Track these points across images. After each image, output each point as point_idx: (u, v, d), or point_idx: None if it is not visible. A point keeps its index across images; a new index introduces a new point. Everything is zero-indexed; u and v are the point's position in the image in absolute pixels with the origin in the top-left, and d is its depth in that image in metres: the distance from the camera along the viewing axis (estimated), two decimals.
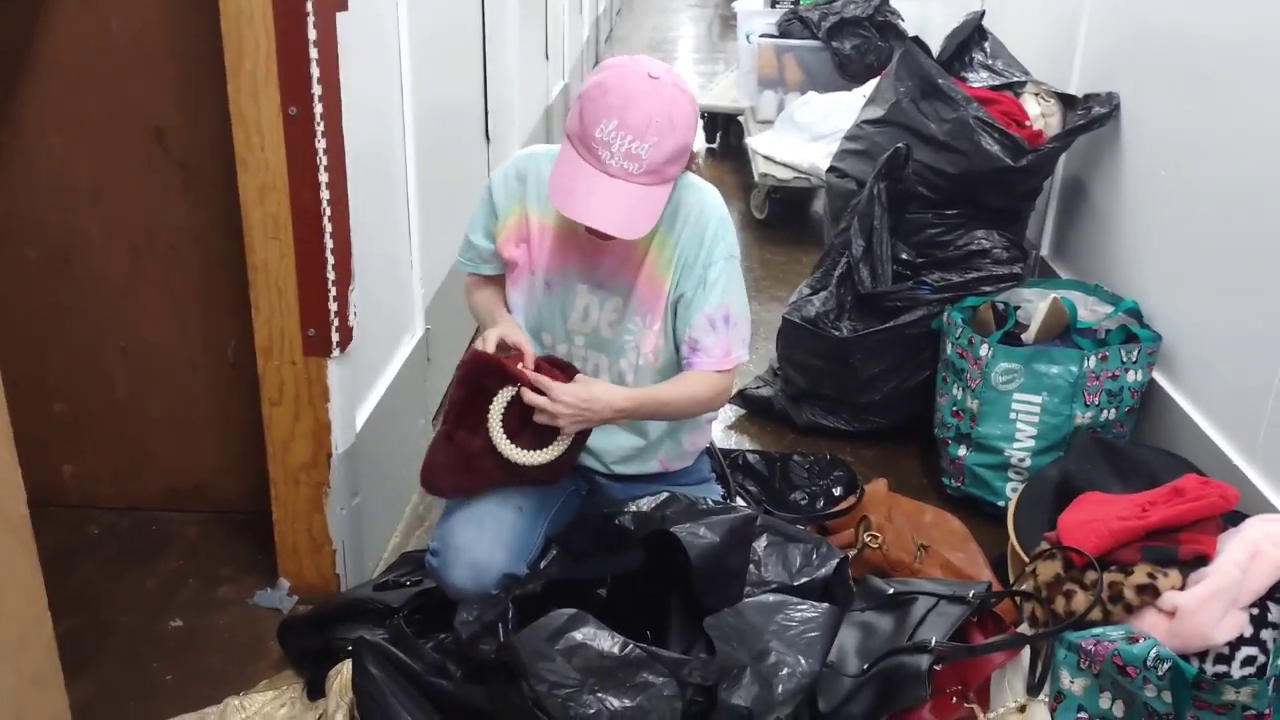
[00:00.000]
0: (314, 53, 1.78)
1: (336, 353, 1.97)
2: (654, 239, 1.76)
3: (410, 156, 2.45)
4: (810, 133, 4.52)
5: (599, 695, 1.45)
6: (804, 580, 1.75)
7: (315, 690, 1.82)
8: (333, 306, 1.94)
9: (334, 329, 1.95)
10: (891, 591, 1.79)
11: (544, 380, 1.66)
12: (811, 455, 2.65)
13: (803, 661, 1.55)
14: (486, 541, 1.72)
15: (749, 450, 2.68)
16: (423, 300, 2.61)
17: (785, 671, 1.53)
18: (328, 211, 1.88)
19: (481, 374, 1.71)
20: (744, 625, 1.61)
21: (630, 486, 1.86)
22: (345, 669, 1.69)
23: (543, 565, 1.76)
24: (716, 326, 1.75)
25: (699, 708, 1.49)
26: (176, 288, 2.22)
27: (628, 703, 1.45)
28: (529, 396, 1.66)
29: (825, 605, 1.65)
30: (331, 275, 1.93)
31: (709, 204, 1.78)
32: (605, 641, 1.51)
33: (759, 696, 1.50)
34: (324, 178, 1.86)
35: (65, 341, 2.27)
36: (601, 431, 1.81)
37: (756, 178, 4.53)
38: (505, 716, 1.50)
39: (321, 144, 1.84)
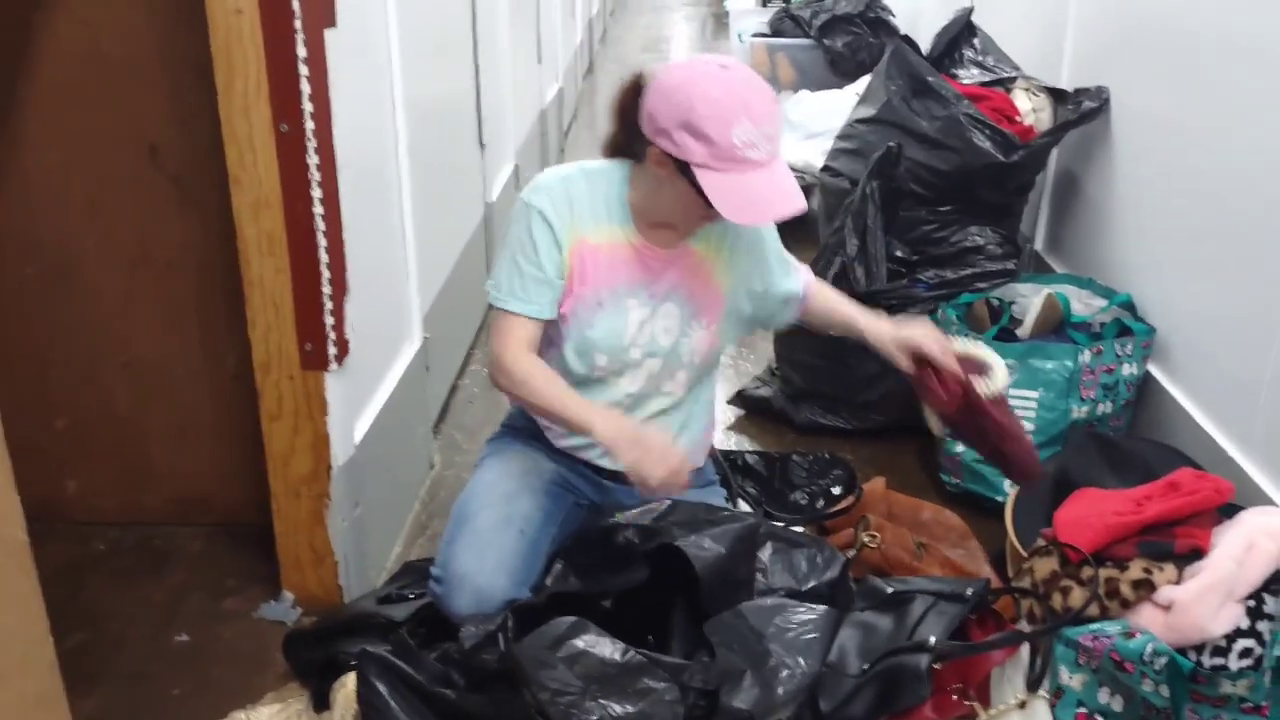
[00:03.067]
0: (304, 70, 1.79)
1: (334, 366, 1.99)
2: (710, 243, 1.80)
3: (404, 166, 2.46)
4: (804, 131, 4.53)
5: (601, 701, 1.46)
6: (811, 585, 1.76)
7: (321, 702, 1.83)
8: (329, 320, 1.95)
9: (331, 342, 1.96)
10: (890, 591, 1.79)
11: None
12: (810, 454, 2.65)
13: (802, 662, 1.56)
14: (489, 568, 1.70)
15: (748, 451, 2.69)
16: (420, 309, 2.62)
17: (785, 673, 1.54)
18: (321, 226, 1.89)
19: None
20: (744, 628, 1.62)
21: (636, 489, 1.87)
22: (350, 681, 1.70)
23: (547, 582, 1.77)
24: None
25: (701, 712, 1.50)
26: (174, 302, 2.24)
27: (630, 708, 1.46)
28: None
29: (823, 607, 1.66)
30: (327, 289, 1.94)
31: None
32: (606, 648, 1.52)
33: (760, 699, 1.51)
34: (317, 193, 1.87)
35: (65, 357, 2.28)
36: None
37: None
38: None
39: (314, 159, 1.85)
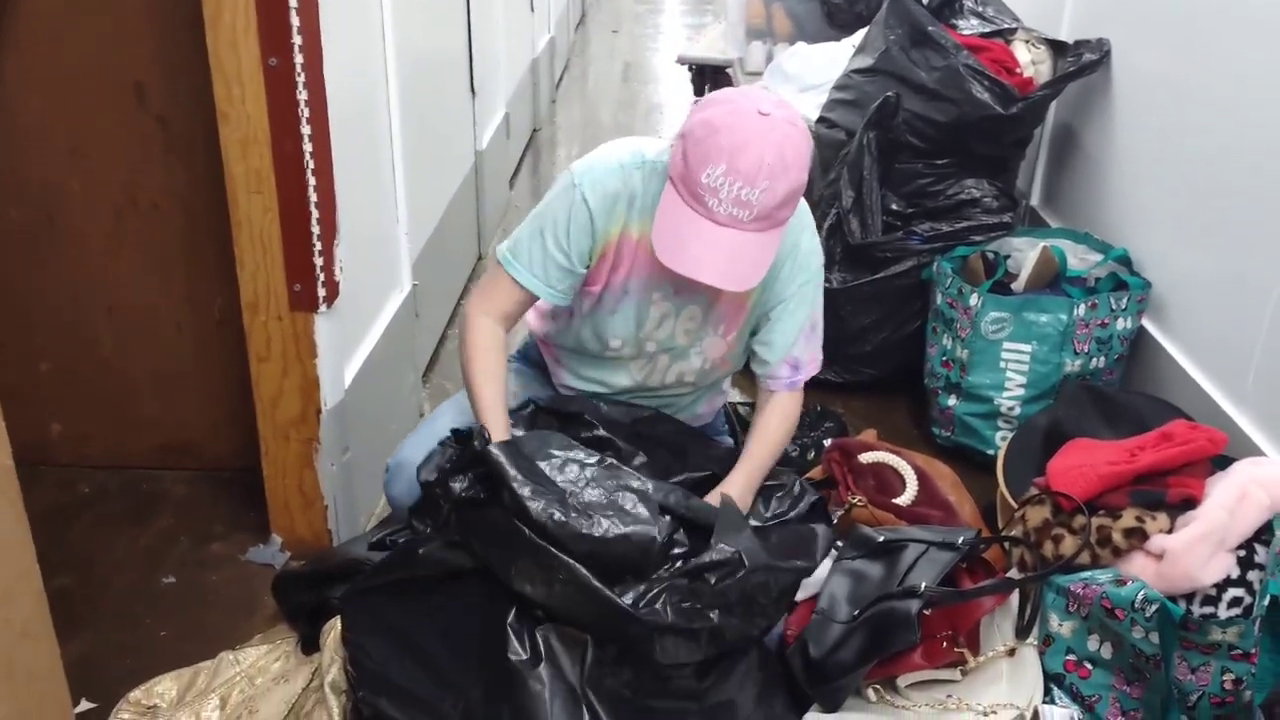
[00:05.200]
0: (293, 2, 1.75)
1: (323, 307, 1.96)
2: None
3: (394, 110, 2.42)
4: (799, 83, 4.47)
5: (580, 503, 1.49)
6: (789, 518, 1.79)
7: (310, 644, 1.83)
8: (318, 261, 1.92)
9: (320, 283, 1.94)
10: (881, 539, 1.79)
11: None
12: (802, 407, 2.65)
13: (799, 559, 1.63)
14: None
15: (740, 402, 2.68)
16: (410, 255, 2.59)
17: (775, 539, 1.63)
18: (311, 164, 1.86)
19: None
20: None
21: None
22: (339, 623, 1.69)
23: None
24: (809, 339, 1.80)
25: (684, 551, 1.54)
26: (160, 245, 2.20)
27: (608, 509, 1.50)
28: None
29: (821, 525, 1.75)
30: (316, 229, 1.91)
31: (799, 219, 1.73)
32: (582, 454, 1.57)
33: (752, 550, 1.53)
34: (306, 130, 1.83)
35: (50, 300, 2.25)
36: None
37: None
38: (483, 543, 1.50)
39: (303, 95, 1.81)
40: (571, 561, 1.42)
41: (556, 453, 1.57)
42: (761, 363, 1.82)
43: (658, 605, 1.44)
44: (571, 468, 1.55)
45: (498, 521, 1.48)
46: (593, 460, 1.58)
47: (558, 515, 1.45)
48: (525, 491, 1.46)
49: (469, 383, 1.71)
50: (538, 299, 1.72)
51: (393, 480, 1.79)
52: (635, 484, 1.56)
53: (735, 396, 2.86)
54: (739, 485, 1.74)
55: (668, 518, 1.56)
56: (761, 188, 1.49)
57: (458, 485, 1.52)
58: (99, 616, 1.98)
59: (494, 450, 1.49)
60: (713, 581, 1.48)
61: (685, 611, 1.45)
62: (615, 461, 1.61)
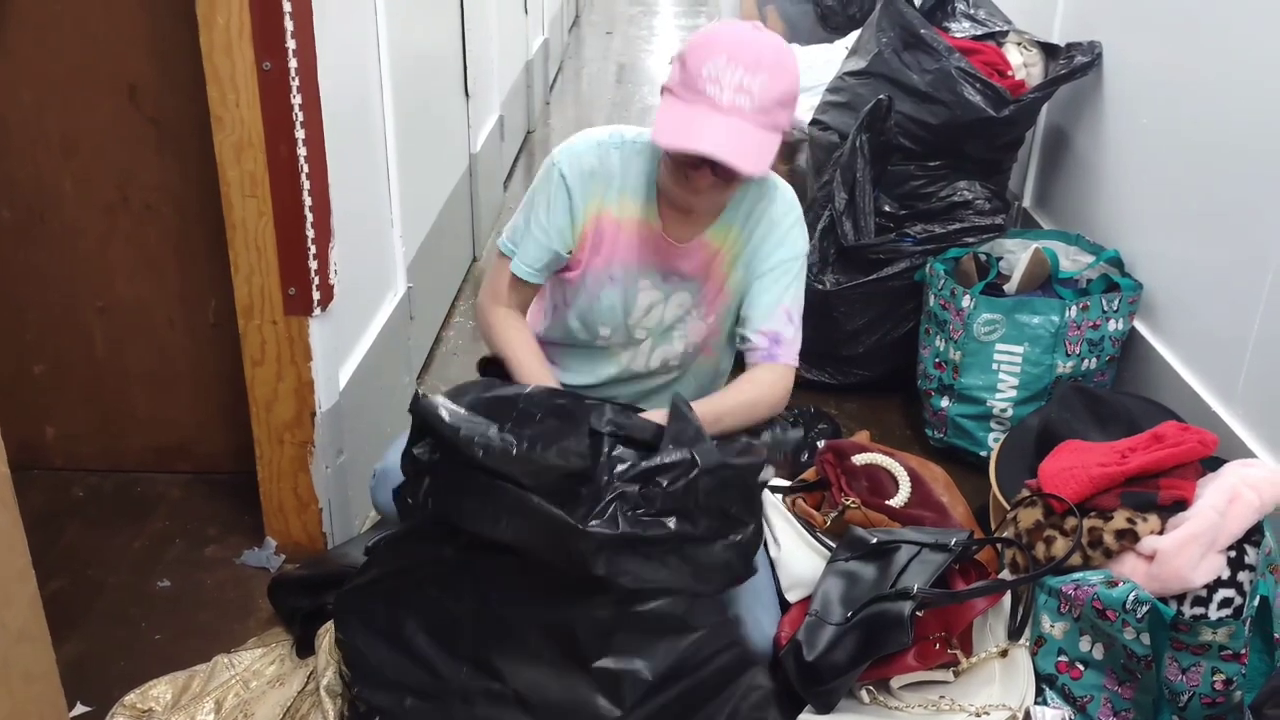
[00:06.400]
0: (288, 6, 1.75)
1: (318, 311, 1.96)
2: (728, 235, 1.75)
3: (389, 112, 2.42)
4: None
5: (514, 428, 1.43)
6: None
7: (304, 647, 1.83)
8: (313, 264, 1.93)
9: (315, 287, 1.94)
10: (874, 541, 1.80)
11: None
12: (795, 409, 2.65)
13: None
14: None
15: None
16: (404, 258, 2.59)
17: (740, 457, 1.48)
18: (305, 168, 1.86)
19: None
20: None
21: None
22: (334, 627, 1.70)
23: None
24: (793, 320, 1.75)
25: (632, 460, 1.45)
26: (153, 246, 2.20)
27: (540, 426, 1.45)
28: None
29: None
30: (311, 233, 1.91)
31: (785, 201, 1.75)
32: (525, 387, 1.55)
33: (705, 449, 1.43)
34: (301, 134, 1.83)
35: (42, 301, 2.25)
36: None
37: None
38: (442, 498, 1.45)
39: (297, 99, 1.81)
40: (508, 485, 1.35)
41: (499, 391, 1.52)
42: (741, 339, 1.79)
43: (607, 515, 1.35)
44: (509, 401, 1.50)
45: (447, 472, 1.43)
46: (530, 389, 1.53)
47: (491, 443, 1.37)
48: (454, 426, 1.39)
49: (504, 353, 1.75)
50: (540, 286, 1.78)
51: (379, 487, 1.79)
52: (567, 401, 1.51)
53: None
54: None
55: (608, 426, 1.49)
56: (762, 79, 1.50)
57: (420, 452, 1.47)
58: (93, 619, 1.98)
59: (422, 402, 1.44)
60: (665, 485, 1.38)
61: (639, 521, 1.36)
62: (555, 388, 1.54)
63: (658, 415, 1.61)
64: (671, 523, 1.38)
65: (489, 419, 1.43)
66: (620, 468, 1.42)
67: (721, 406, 1.71)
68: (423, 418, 1.44)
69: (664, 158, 1.65)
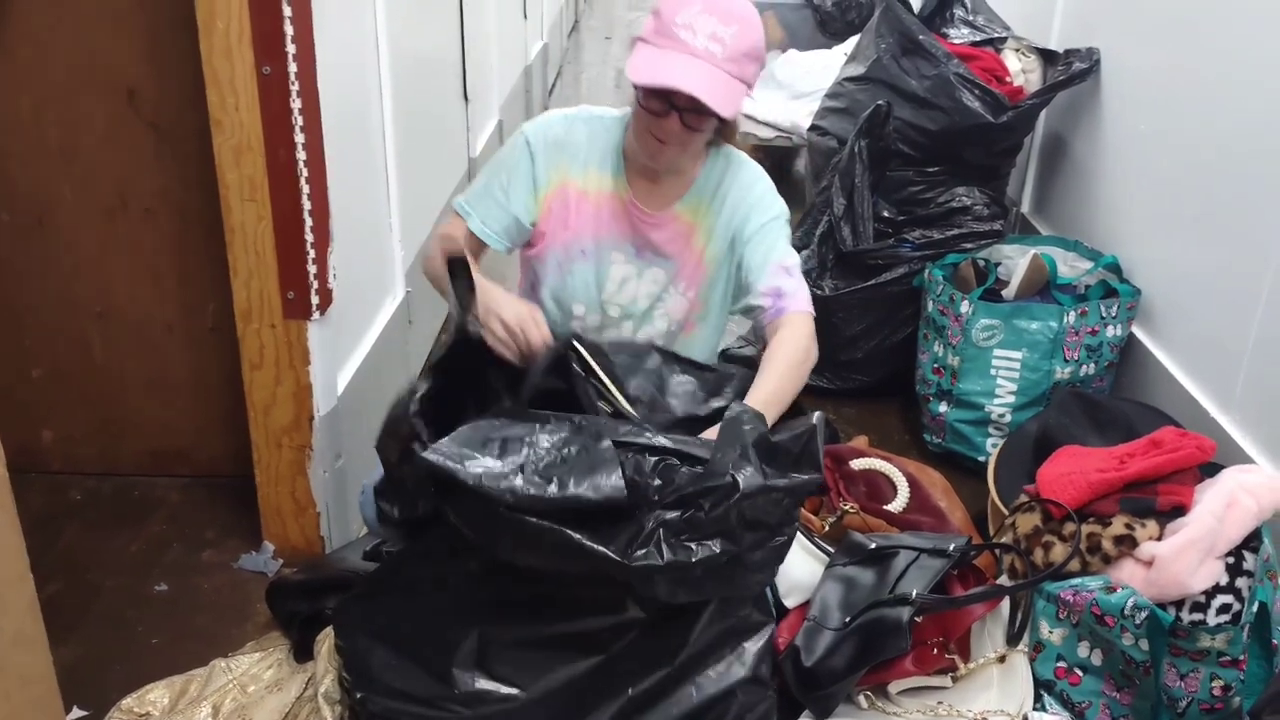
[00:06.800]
0: (287, 10, 1.76)
1: (316, 315, 1.96)
2: (699, 209, 1.76)
3: (388, 117, 2.42)
4: (791, 91, 4.49)
5: (540, 468, 1.36)
6: (714, 407, 1.68)
7: (302, 652, 1.82)
8: (312, 269, 1.93)
9: (313, 291, 1.94)
10: (873, 546, 1.80)
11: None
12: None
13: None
14: None
15: None
16: (403, 262, 2.59)
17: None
18: (304, 172, 1.86)
19: None
20: None
21: None
22: (333, 633, 1.69)
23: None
24: (791, 273, 1.74)
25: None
26: (152, 250, 2.20)
27: (569, 466, 1.36)
28: None
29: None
30: (310, 237, 1.91)
31: (751, 173, 1.79)
32: (534, 424, 1.42)
33: (748, 472, 1.36)
34: (300, 138, 1.84)
35: (41, 305, 2.25)
36: None
37: (738, 137, 4.50)
38: (470, 528, 1.39)
39: (297, 103, 1.81)
40: (547, 524, 1.30)
41: (502, 429, 1.43)
42: (747, 309, 1.78)
43: (651, 545, 1.32)
44: (521, 439, 1.42)
45: (472, 507, 1.37)
46: (548, 425, 1.45)
47: (517, 489, 1.32)
48: (474, 473, 1.33)
49: (434, 258, 1.72)
50: (487, 248, 1.77)
51: (367, 502, 1.74)
52: (599, 436, 1.43)
53: None
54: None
55: (647, 454, 1.43)
56: (734, 29, 1.55)
57: (424, 502, 1.43)
58: (91, 623, 1.98)
59: (431, 456, 1.37)
60: (706, 509, 1.34)
61: (684, 547, 1.33)
62: (575, 418, 1.46)
63: (710, 433, 1.58)
64: (716, 546, 1.35)
65: (504, 457, 1.37)
66: (659, 490, 1.37)
67: (769, 389, 1.67)
68: (429, 473, 1.36)
69: (634, 110, 1.66)
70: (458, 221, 1.78)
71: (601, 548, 1.31)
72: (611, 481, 1.35)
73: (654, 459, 1.41)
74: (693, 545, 1.34)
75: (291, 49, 1.78)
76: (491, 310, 1.53)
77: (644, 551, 1.32)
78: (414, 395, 1.46)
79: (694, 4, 1.56)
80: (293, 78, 1.80)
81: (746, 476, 1.37)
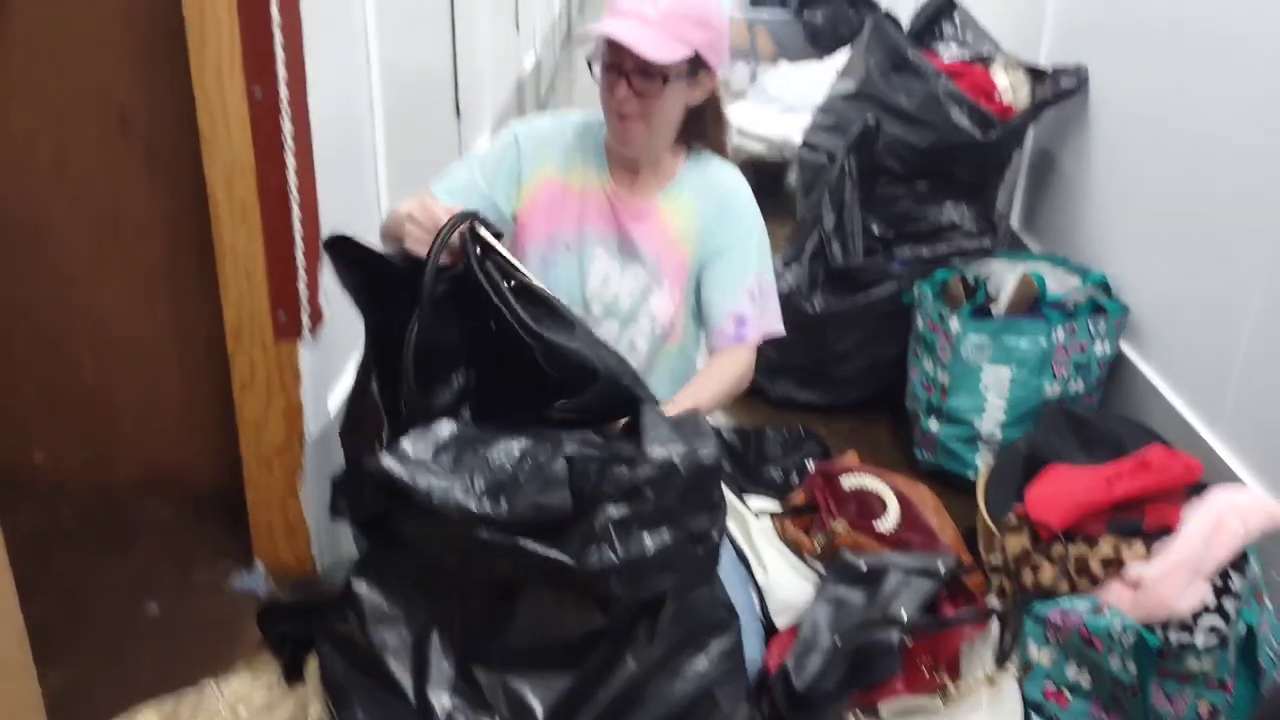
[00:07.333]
0: (278, 34, 1.76)
1: (307, 336, 1.97)
2: (680, 208, 1.78)
3: (379, 133, 2.43)
4: (782, 104, 4.51)
5: (488, 482, 1.34)
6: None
7: (294, 673, 1.82)
8: (303, 290, 1.93)
9: (304, 312, 1.94)
10: (864, 567, 1.81)
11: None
12: (785, 429, 2.66)
13: (709, 437, 1.43)
14: None
15: (722, 425, 2.70)
16: None
17: (704, 441, 1.41)
18: (295, 194, 1.86)
19: None
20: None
21: None
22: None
23: None
24: (755, 299, 1.78)
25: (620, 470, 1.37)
26: (144, 270, 2.20)
27: (514, 479, 1.35)
28: None
29: None
30: (301, 258, 1.91)
31: (733, 180, 1.82)
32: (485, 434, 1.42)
33: (685, 451, 1.37)
34: (291, 160, 1.84)
35: (32, 324, 2.25)
36: None
37: (730, 151, 4.52)
38: (422, 544, 1.40)
39: (288, 126, 1.82)
40: (500, 537, 1.30)
41: (458, 435, 1.43)
42: (707, 320, 1.81)
43: (604, 545, 1.32)
44: (475, 450, 1.41)
45: (421, 519, 1.37)
46: (505, 437, 1.44)
47: (465, 504, 1.32)
48: (421, 490, 1.33)
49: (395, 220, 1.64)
50: None
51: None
52: (554, 452, 1.41)
53: (722, 420, 2.88)
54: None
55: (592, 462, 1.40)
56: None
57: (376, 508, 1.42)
58: (81, 646, 1.97)
59: (373, 465, 1.36)
60: (652, 498, 1.34)
61: (636, 540, 1.33)
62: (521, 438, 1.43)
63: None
64: (667, 534, 1.35)
65: (451, 470, 1.36)
66: (603, 486, 1.35)
67: (694, 399, 1.69)
68: (378, 481, 1.35)
69: (600, 95, 1.71)
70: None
71: (555, 553, 1.30)
72: (555, 497, 1.33)
73: (596, 463, 1.39)
74: (644, 535, 1.34)
75: (283, 72, 1.78)
76: (395, 216, 1.57)
77: (597, 553, 1.31)
78: (370, 375, 1.46)
79: None
80: (284, 100, 1.80)
81: (681, 455, 1.36)
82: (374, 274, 1.54)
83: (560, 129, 1.81)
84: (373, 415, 1.47)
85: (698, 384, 1.76)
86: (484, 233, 1.47)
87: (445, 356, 1.51)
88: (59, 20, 2.01)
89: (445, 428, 1.42)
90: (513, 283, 1.47)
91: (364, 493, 1.44)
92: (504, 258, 1.48)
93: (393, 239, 1.62)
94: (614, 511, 1.35)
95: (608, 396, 1.46)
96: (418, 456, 1.37)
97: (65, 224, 2.16)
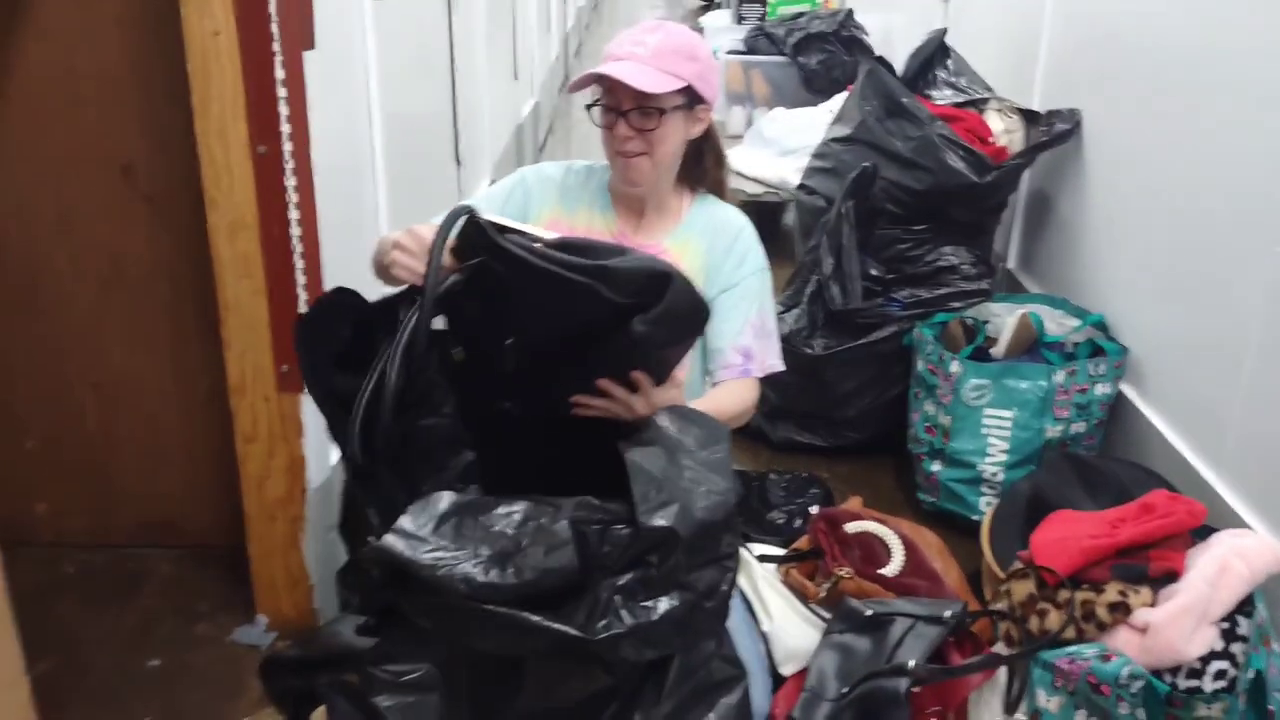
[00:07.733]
0: (282, 91, 1.78)
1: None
2: (688, 249, 1.80)
3: (380, 184, 2.45)
4: (779, 147, 4.55)
5: (494, 552, 1.32)
6: None
7: None
8: None
9: None
10: (870, 613, 1.80)
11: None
12: (788, 473, 2.66)
13: (717, 480, 1.41)
14: None
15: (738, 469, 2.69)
16: None
17: (703, 489, 1.39)
18: (299, 248, 1.88)
19: None
20: (657, 438, 1.47)
21: None
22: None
23: None
24: (759, 335, 1.80)
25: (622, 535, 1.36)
26: (146, 321, 2.21)
27: (522, 549, 1.33)
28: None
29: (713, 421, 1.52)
30: (304, 311, 1.92)
31: (738, 218, 1.86)
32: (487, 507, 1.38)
33: (682, 512, 1.34)
34: (294, 215, 1.86)
35: (35, 376, 2.26)
36: None
37: (729, 193, 4.55)
38: (431, 620, 1.38)
39: (291, 181, 1.84)
40: (504, 610, 1.28)
41: (458, 505, 1.39)
42: (713, 354, 1.81)
43: (610, 615, 1.31)
44: (476, 519, 1.39)
45: (427, 597, 1.34)
46: (504, 504, 1.42)
47: (472, 577, 1.30)
48: (427, 566, 1.31)
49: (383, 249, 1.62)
50: None
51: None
52: (555, 516, 1.38)
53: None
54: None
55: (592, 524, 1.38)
56: (658, 37, 1.68)
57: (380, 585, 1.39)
58: (84, 700, 1.96)
59: (374, 547, 1.34)
60: (656, 564, 1.33)
61: (642, 609, 1.32)
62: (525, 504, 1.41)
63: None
64: (676, 598, 1.34)
65: (454, 543, 1.34)
66: (607, 556, 1.34)
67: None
68: (381, 562, 1.33)
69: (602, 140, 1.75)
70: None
71: (562, 626, 1.29)
72: (563, 562, 1.32)
73: (597, 526, 1.38)
74: (650, 604, 1.33)
75: (286, 129, 1.81)
76: (382, 243, 1.57)
77: (605, 622, 1.30)
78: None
79: (624, 34, 1.72)
80: (287, 156, 1.83)
81: (683, 518, 1.34)
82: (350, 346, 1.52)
83: (565, 173, 1.85)
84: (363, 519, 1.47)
85: (710, 399, 1.77)
86: (490, 216, 1.45)
87: (435, 389, 1.50)
88: (65, 75, 2.04)
89: (444, 500, 1.41)
90: (541, 244, 1.43)
91: (371, 580, 1.43)
92: (519, 230, 1.44)
93: (380, 268, 1.62)
94: (619, 580, 1.34)
95: (685, 295, 1.44)
96: (418, 531, 1.34)
97: (68, 275, 2.18)
